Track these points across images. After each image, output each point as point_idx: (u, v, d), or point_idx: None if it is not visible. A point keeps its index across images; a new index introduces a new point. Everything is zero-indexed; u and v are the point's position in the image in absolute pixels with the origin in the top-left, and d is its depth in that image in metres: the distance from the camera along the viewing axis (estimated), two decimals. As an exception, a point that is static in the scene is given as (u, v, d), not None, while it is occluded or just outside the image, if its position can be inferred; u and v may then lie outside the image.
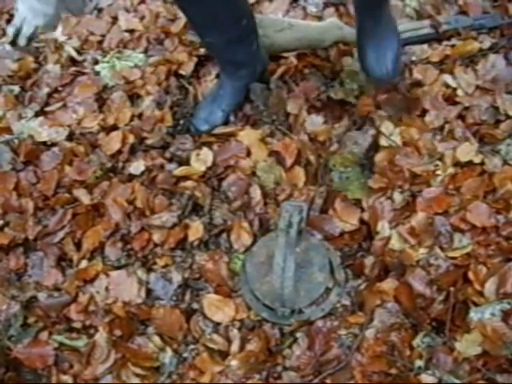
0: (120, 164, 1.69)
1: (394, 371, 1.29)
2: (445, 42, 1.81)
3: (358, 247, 1.50)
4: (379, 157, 1.58)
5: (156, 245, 1.54)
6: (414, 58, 1.77)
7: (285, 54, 1.82)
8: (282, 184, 1.58)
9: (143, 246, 1.53)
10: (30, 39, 1.25)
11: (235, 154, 1.64)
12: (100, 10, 2.16)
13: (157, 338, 1.41)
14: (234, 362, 1.35)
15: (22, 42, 1.25)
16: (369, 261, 1.45)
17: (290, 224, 1.42)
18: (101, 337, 1.41)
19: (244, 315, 1.42)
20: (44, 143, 1.78)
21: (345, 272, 1.46)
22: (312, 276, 1.43)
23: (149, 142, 1.71)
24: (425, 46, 1.81)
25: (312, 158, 1.61)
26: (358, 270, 1.46)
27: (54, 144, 1.77)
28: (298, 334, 1.37)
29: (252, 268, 1.46)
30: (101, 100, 1.85)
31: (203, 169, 1.63)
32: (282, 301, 1.38)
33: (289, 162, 1.60)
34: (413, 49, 1.80)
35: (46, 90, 1.91)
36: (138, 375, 1.37)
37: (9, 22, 2.18)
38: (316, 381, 1.31)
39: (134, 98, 1.84)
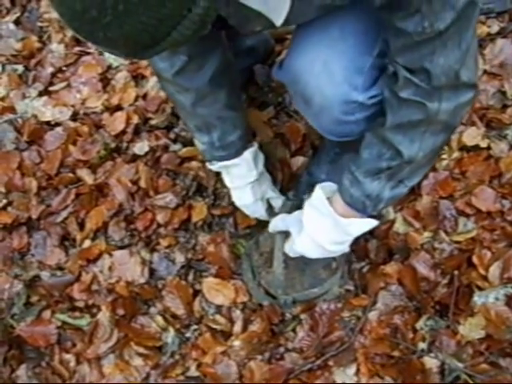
0: (124, 144, 1.68)
1: (396, 353, 1.30)
2: (452, 26, 1.79)
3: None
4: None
5: (159, 225, 1.54)
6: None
7: (289, 36, 1.80)
8: (286, 168, 1.58)
9: (147, 226, 1.53)
10: None
11: (240, 136, 1.63)
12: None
13: (160, 318, 1.41)
14: (236, 343, 1.36)
15: None
16: (372, 244, 1.45)
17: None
18: (104, 316, 1.41)
19: (245, 299, 1.43)
20: (48, 123, 1.76)
21: (349, 261, 1.45)
22: (316, 272, 1.42)
23: (153, 122, 1.70)
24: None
25: (318, 142, 1.60)
26: (361, 253, 1.45)
27: (57, 124, 1.75)
28: (302, 316, 1.37)
29: (257, 257, 1.45)
30: (105, 80, 1.84)
31: (208, 150, 1.61)
32: (283, 287, 1.38)
33: (294, 145, 1.59)
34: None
35: (49, 69, 1.89)
36: (140, 354, 1.37)
37: (13, 1, 2.17)
38: (318, 362, 1.32)
39: (138, 78, 1.82)
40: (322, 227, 1.17)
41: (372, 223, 1.15)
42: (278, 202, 1.43)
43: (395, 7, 0.82)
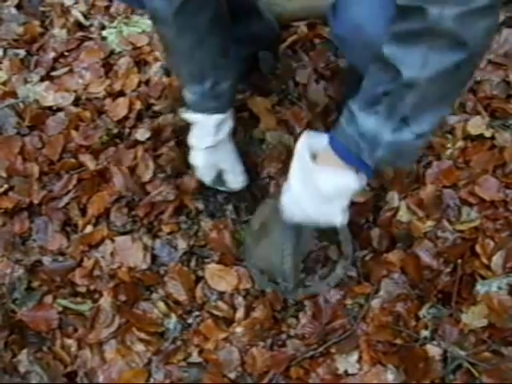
0: (126, 130, 1.68)
1: (399, 341, 1.29)
2: (457, 15, 1.78)
3: (365, 220, 1.49)
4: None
5: (161, 211, 1.53)
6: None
7: (295, 24, 1.79)
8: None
9: (148, 212, 1.52)
10: None
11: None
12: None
13: (161, 304, 1.41)
14: (238, 329, 1.35)
15: None
16: (375, 232, 1.45)
17: None
18: (105, 301, 1.41)
19: (247, 285, 1.42)
20: (50, 108, 1.75)
21: (353, 244, 1.44)
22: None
23: (156, 108, 1.70)
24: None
25: (321, 129, 1.60)
26: (364, 241, 1.45)
27: (59, 109, 1.74)
28: (305, 303, 1.37)
29: (251, 240, 1.44)
30: (107, 66, 1.82)
31: (211, 137, 1.61)
32: (284, 277, 1.37)
33: (298, 131, 1.58)
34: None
35: (52, 54, 1.88)
36: (142, 340, 1.37)
37: (14, -15, 2.15)
38: (321, 349, 1.31)
39: (141, 64, 1.81)
40: (299, 177, 1.07)
41: (348, 182, 1.01)
42: (229, 176, 1.45)
43: None
